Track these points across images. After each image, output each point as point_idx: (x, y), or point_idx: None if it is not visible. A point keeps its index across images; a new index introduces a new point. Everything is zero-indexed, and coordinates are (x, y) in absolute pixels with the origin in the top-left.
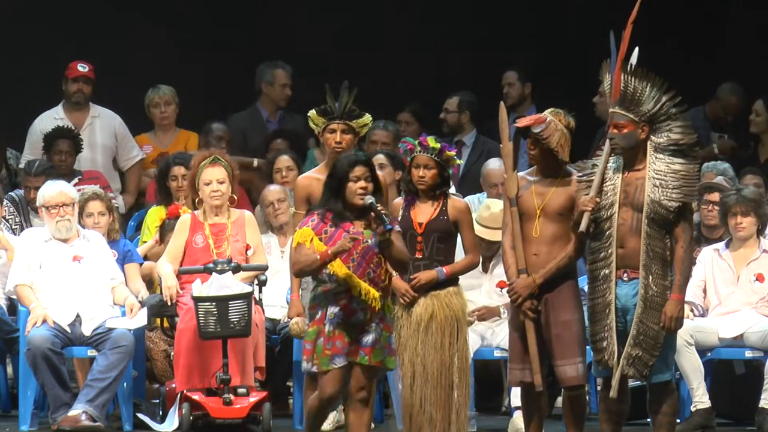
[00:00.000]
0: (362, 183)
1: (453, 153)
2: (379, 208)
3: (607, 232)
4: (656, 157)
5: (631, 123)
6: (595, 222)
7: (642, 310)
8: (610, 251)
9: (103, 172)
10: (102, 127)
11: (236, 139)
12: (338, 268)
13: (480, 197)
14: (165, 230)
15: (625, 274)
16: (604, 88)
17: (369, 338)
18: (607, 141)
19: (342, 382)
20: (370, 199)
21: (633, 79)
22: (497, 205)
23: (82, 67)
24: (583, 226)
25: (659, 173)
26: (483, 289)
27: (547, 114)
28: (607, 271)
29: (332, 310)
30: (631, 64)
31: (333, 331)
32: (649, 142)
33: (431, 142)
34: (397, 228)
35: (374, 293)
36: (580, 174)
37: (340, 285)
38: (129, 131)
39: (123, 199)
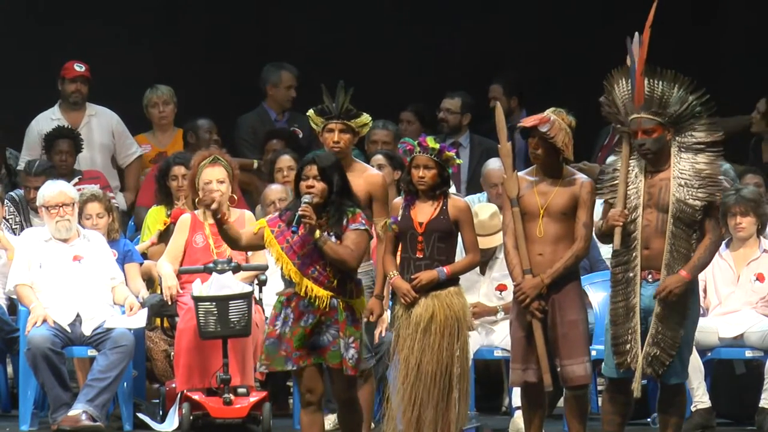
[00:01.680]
0: (309, 182)
1: (452, 153)
2: (300, 209)
3: (632, 235)
4: (680, 157)
5: (660, 126)
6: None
7: (662, 309)
8: (634, 254)
9: (102, 171)
10: (99, 125)
11: (248, 138)
12: (284, 263)
13: (480, 197)
14: (169, 235)
15: (650, 275)
16: (618, 93)
17: (321, 340)
18: (621, 141)
19: (316, 383)
20: (305, 199)
21: (661, 82)
22: (485, 212)
23: (79, 67)
24: (616, 243)
25: (684, 172)
26: (481, 292)
27: (550, 113)
28: (631, 274)
29: (285, 312)
30: (659, 68)
31: (286, 334)
32: (673, 142)
33: (431, 142)
34: (354, 227)
35: (319, 291)
36: (602, 178)
37: (291, 285)
38: (127, 128)
39: (124, 196)
